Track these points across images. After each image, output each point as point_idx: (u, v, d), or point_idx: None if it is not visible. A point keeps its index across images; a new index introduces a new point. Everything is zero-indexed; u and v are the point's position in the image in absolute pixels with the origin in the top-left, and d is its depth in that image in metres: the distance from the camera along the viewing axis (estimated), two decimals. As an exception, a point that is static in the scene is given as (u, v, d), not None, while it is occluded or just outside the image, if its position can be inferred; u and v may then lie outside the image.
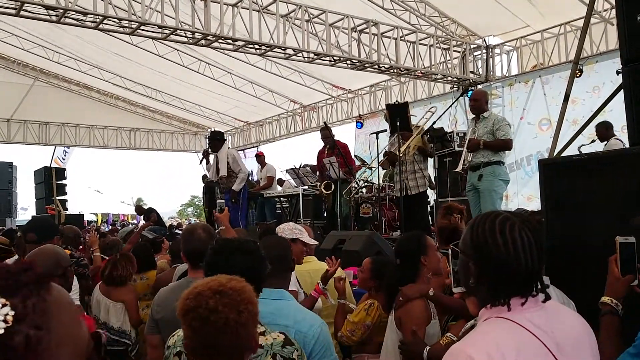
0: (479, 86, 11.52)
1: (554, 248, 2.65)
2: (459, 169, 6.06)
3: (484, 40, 11.92)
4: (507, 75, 11.93)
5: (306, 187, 9.60)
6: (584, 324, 1.50)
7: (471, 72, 11.80)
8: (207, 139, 8.51)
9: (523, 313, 1.38)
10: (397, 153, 6.62)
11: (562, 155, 4.27)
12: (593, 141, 7.40)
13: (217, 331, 1.44)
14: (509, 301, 1.38)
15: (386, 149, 7.18)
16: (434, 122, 7.02)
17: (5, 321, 0.69)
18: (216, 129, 8.83)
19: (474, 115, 6.09)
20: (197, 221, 29.64)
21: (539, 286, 1.43)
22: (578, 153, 4.23)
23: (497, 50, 12.00)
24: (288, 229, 3.56)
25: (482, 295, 1.46)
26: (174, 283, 2.66)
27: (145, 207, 13.17)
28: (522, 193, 10.84)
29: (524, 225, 1.41)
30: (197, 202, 54.15)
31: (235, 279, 1.55)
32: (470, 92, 11.15)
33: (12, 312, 0.70)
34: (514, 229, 1.40)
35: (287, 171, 10.31)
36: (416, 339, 2.53)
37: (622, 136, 7.37)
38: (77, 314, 0.83)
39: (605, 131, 7.16)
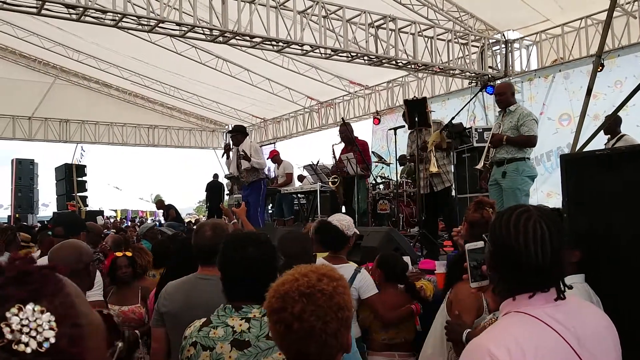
0: (498, 81, 11.40)
1: (576, 243, 2.62)
2: (479, 165, 5.94)
3: (503, 34, 11.79)
4: (526, 70, 11.79)
5: (323, 183, 9.59)
6: (607, 322, 1.49)
7: (490, 67, 11.68)
8: (230, 133, 8.50)
9: (543, 308, 1.36)
10: (417, 150, 6.58)
11: (584, 150, 4.21)
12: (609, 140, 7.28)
13: (301, 339, 1.35)
14: (516, 294, 1.38)
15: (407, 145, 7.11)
16: (453, 118, 6.96)
17: (51, 329, 0.66)
18: (238, 124, 8.79)
19: (500, 109, 5.97)
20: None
21: (554, 283, 1.40)
22: (600, 148, 4.17)
23: (516, 45, 11.87)
24: (349, 224, 3.61)
25: (499, 288, 1.47)
26: (182, 278, 2.68)
27: (165, 204, 13.43)
28: (542, 189, 10.70)
29: (541, 218, 1.40)
30: (214, 199, 54.38)
31: (328, 275, 1.41)
32: (489, 88, 11.10)
33: (53, 317, 0.67)
34: (528, 221, 1.39)
35: (304, 167, 10.32)
36: (459, 320, 2.53)
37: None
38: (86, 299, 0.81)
39: (614, 125, 7.01)
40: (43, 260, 3.25)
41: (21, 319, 0.64)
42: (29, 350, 0.63)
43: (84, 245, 2.82)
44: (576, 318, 1.38)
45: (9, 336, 0.63)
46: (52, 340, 0.65)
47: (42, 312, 0.66)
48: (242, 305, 1.96)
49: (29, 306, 0.65)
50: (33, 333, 0.64)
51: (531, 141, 5.57)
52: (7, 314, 0.63)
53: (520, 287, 1.40)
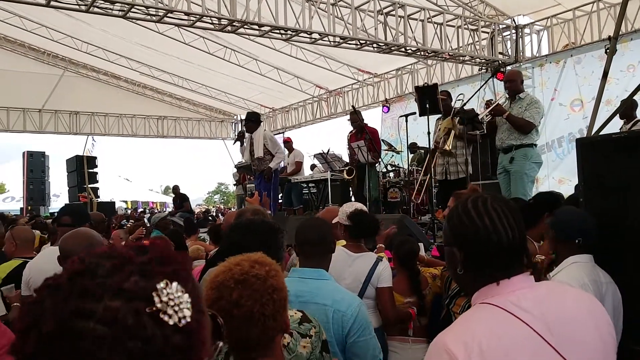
0: (509, 67, 11.30)
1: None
2: (480, 115, 6.08)
3: (514, 20, 11.66)
4: (537, 55, 11.67)
5: (334, 172, 9.57)
6: (590, 304, 1.41)
7: (500, 53, 11.57)
8: (244, 121, 8.55)
9: (507, 296, 1.32)
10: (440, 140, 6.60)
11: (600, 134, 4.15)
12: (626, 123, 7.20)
13: (242, 324, 1.39)
14: (496, 280, 1.35)
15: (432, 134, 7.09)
16: (464, 104, 6.91)
17: (188, 309, 0.67)
18: (251, 111, 8.78)
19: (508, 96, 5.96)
20: (222, 206, 29.98)
21: (526, 260, 1.39)
22: (616, 132, 4.12)
23: (527, 30, 11.74)
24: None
25: (469, 282, 1.43)
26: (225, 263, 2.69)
27: (180, 192, 14.02)
28: (553, 176, 10.63)
29: (494, 199, 1.41)
30: (223, 190, 54.69)
31: (260, 261, 1.49)
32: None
33: (190, 299, 0.68)
34: (486, 204, 1.39)
35: (314, 156, 10.31)
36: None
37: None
38: None
39: (630, 110, 6.93)
40: (54, 250, 3.22)
41: (168, 293, 0.66)
42: (171, 322, 0.65)
43: (95, 235, 2.83)
44: (546, 304, 1.32)
45: (158, 305, 0.65)
46: (188, 319, 0.67)
47: (182, 291, 0.68)
48: None
49: (174, 283, 0.68)
50: (176, 308, 0.66)
51: (529, 127, 5.64)
52: (158, 286, 0.66)
53: (490, 274, 1.36)
